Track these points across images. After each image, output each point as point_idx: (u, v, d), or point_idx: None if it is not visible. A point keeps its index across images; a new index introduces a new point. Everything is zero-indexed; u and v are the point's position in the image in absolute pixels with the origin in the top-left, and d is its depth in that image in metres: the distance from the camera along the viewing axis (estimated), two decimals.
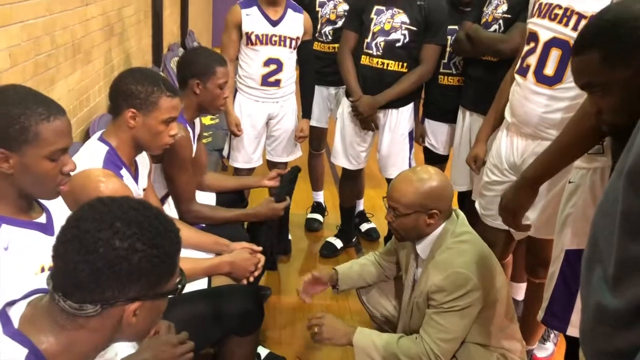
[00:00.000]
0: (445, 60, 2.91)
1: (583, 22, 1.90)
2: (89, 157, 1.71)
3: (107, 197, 1.02)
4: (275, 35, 2.98)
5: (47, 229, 1.34)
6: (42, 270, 1.29)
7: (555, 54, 1.99)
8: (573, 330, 1.74)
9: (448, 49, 2.89)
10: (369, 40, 2.84)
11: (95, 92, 2.88)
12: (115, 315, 0.96)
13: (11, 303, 0.99)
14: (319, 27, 3.25)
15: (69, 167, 1.31)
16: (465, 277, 1.73)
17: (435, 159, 3.07)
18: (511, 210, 1.79)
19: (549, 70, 2.02)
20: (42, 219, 1.35)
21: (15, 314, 0.97)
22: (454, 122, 2.95)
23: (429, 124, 3.09)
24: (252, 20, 2.96)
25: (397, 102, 2.90)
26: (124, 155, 1.78)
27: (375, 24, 2.82)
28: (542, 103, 2.05)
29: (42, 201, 1.38)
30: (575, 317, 1.72)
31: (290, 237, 3.33)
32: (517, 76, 2.16)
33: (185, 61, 2.31)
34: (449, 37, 2.87)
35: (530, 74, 2.08)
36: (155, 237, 0.96)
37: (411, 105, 2.98)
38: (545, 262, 2.16)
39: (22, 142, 1.22)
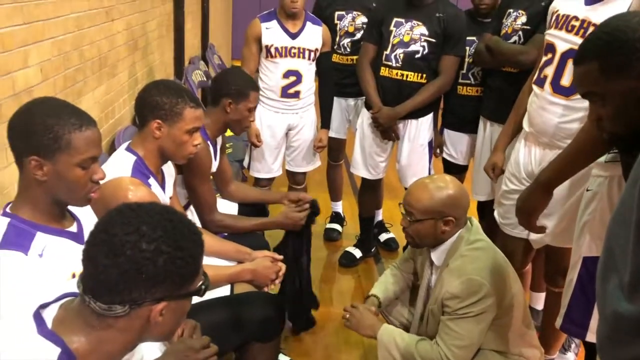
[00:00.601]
0: (464, 71, 2.94)
1: None
2: (118, 167, 1.77)
3: (133, 202, 1.07)
4: (294, 48, 3.04)
5: (78, 237, 1.39)
6: (73, 276, 1.34)
7: (572, 65, 2.00)
8: (592, 336, 1.75)
9: (467, 60, 2.92)
10: (388, 52, 2.88)
11: (120, 104, 2.95)
12: (142, 315, 1.00)
13: (44, 305, 1.03)
14: (337, 39, 3.30)
15: (98, 176, 1.36)
16: (479, 283, 1.75)
17: (454, 169, 3.09)
18: (525, 212, 1.82)
19: (566, 81, 2.05)
20: (74, 228, 1.40)
21: (48, 316, 1.01)
22: (473, 132, 2.97)
23: (448, 134, 3.11)
24: (272, 33, 3.03)
25: (416, 113, 2.93)
26: (151, 164, 1.83)
27: (394, 36, 2.86)
28: (558, 113, 2.07)
29: (73, 211, 1.43)
30: (594, 323, 1.72)
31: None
32: (534, 86, 2.18)
33: (221, 79, 2.38)
34: (468, 48, 2.90)
35: (547, 85, 2.10)
36: (179, 240, 1.00)
37: (430, 115, 3.01)
38: (564, 271, 2.15)
39: (56, 150, 1.28)
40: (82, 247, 1.36)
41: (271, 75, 3.07)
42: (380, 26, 2.90)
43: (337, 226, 3.78)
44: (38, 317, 1.00)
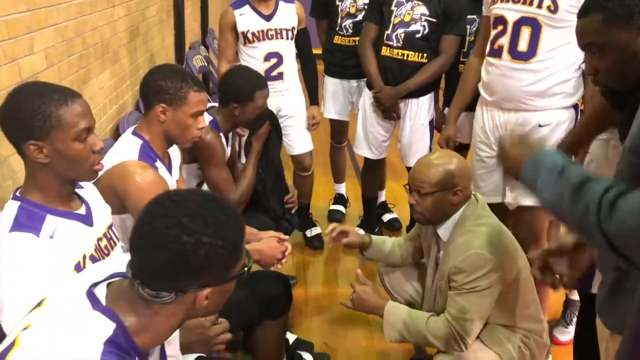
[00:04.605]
0: (465, 50, 2.94)
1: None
2: (125, 151, 1.79)
3: (173, 192, 1.09)
4: (271, 29, 3.02)
5: (86, 219, 1.42)
6: (84, 257, 1.37)
7: (526, 32, 2.19)
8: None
9: (467, 39, 2.92)
10: (389, 32, 2.88)
11: (123, 90, 2.97)
12: (188, 301, 1.03)
13: (95, 284, 1.06)
14: (339, 20, 3.29)
15: (98, 146, 1.37)
16: (485, 258, 1.77)
17: (457, 147, 3.10)
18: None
19: (523, 46, 2.20)
20: (82, 210, 1.42)
21: (100, 294, 1.04)
22: (474, 110, 2.98)
23: None
24: (246, 19, 3.01)
25: (417, 92, 2.95)
26: (157, 148, 1.85)
27: (395, 16, 2.86)
28: (521, 77, 2.23)
29: (81, 194, 1.46)
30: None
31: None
32: (490, 58, 2.32)
33: (228, 82, 2.43)
34: (468, 27, 2.90)
35: (505, 54, 2.25)
36: (219, 229, 1.01)
37: (431, 94, 3.02)
38: (535, 235, 2.31)
39: (48, 130, 1.29)
40: (90, 228, 1.41)
41: (252, 61, 3.03)
42: (381, 6, 2.91)
43: (340, 207, 3.80)
44: (92, 295, 1.03)
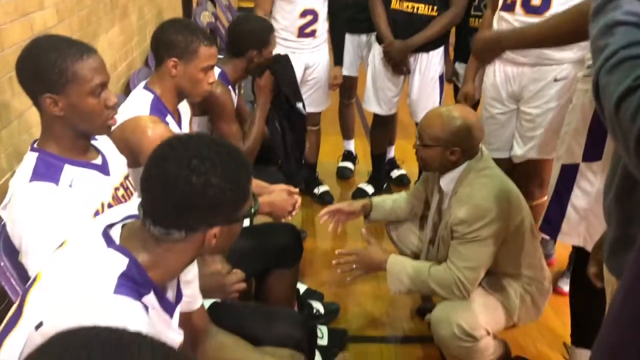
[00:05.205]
0: (476, 3, 2.91)
1: None
2: (137, 105, 1.81)
3: (183, 135, 1.13)
4: None
5: (103, 169, 1.46)
6: (102, 205, 1.42)
7: None
8: (562, 237, 1.93)
9: None
10: None
11: (133, 46, 2.97)
12: (198, 239, 1.08)
13: (110, 226, 1.12)
14: None
15: (112, 101, 1.40)
16: (485, 208, 1.80)
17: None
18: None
19: (536, 0, 2.17)
20: (99, 160, 1.46)
21: (115, 234, 1.10)
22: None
23: (461, 67, 3.11)
24: None
25: (427, 46, 2.93)
26: (167, 102, 1.87)
27: None
28: None
29: (97, 145, 1.49)
30: (565, 226, 1.88)
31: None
32: (502, 13, 2.28)
33: (241, 31, 2.42)
34: None
35: (518, 8, 2.22)
36: (227, 171, 1.05)
37: (441, 49, 3.00)
38: (541, 183, 2.38)
39: (64, 83, 1.31)
40: (107, 178, 1.45)
41: (287, 16, 3.00)
42: None
43: (349, 164, 3.84)
44: (106, 235, 1.09)
